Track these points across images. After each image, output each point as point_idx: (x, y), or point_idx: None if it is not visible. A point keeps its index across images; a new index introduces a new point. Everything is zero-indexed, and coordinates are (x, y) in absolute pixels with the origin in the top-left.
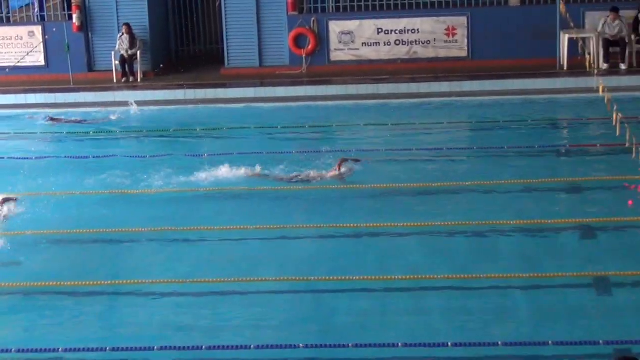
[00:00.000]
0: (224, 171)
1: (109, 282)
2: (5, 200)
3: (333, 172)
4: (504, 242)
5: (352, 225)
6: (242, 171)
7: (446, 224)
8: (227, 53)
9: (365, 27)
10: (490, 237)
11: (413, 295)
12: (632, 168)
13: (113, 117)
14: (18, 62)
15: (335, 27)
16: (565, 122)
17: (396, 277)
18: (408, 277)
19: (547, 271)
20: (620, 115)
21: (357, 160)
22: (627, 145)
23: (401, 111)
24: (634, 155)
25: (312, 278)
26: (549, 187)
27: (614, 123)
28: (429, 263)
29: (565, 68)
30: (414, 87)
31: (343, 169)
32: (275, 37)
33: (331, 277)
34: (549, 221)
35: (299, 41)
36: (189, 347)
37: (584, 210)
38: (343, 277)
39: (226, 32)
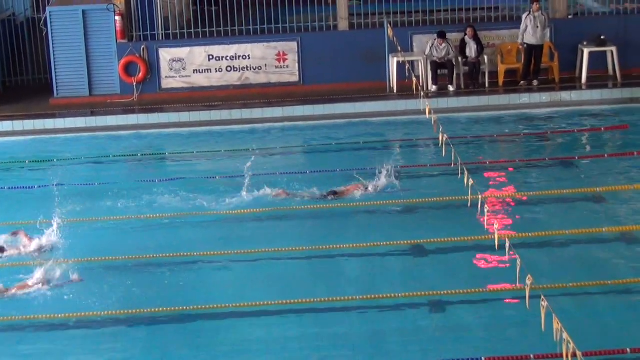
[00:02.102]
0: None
1: None
2: None
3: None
4: (340, 266)
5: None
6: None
7: (279, 249)
8: (56, 83)
9: (196, 54)
10: (334, 260)
11: None
12: (459, 188)
13: None
14: None
15: (166, 55)
16: (396, 144)
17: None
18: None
19: (381, 292)
20: (446, 136)
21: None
22: (453, 165)
23: (234, 137)
24: (459, 175)
25: None
26: (383, 210)
27: (440, 144)
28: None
29: (395, 91)
30: (247, 113)
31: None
32: (104, 66)
33: None
34: (383, 243)
35: (129, 69)
36: None
37: (416, 231)
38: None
39: (54, 62)
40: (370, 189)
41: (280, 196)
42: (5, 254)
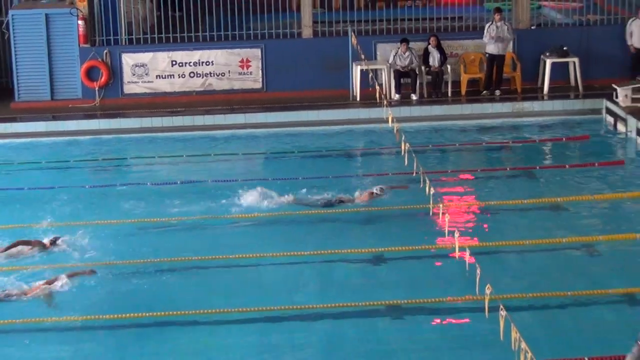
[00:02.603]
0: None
1: None
2: None
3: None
4: (299, 274)
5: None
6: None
7: (222, 257)
8: (17, 87)
9: (159, 60)
10: (294, 268)
11: None
12: (420, 197)
13: None
14: None
15: (129, 60)
16: (358, 152)
17: None
18: None
19: (341, 301)
20: (408, 145)
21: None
22: (415, 174)
23: (196, 143)
24: (421, 184)
25: None
26: (344, 218)
27: (403, 153)
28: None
29: (358, 99)
30: (209, 119)
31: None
32: (67, 70)
33: None
34: (343, 251)
35: (91, 74)
36: None
37: (376, 239)
38: None
39: (16, 65)
40: (380, 193)
41: (289, 202)
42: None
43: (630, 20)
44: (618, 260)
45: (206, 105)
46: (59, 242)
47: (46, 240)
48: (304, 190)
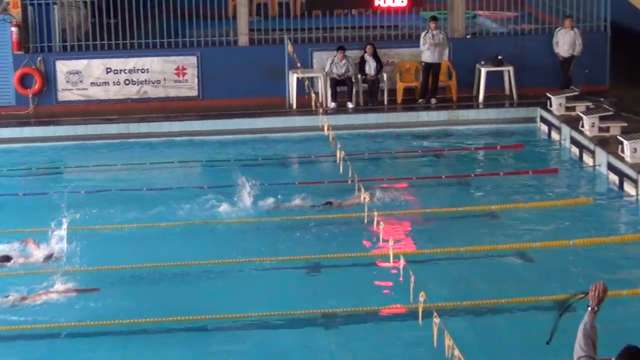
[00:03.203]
0: None
1: None
2: None
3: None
4: (232, 282)
5: None
6: None
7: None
8: None
9: (93, 67)
10: (230, 276)
11: None
12: (355, 204)
13: None
14: None
15: (63, 67)
16: (295, 160)
17: None
18: None
19: (276, 309)
20: (343, 153)
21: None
22: (350, 182)
23: (132, 151)
24: (356, 192)
25: None
26: (277, 225)
27: (338, 161)
28: None
29: (294, 107)
30: (144, 127)
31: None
32: (0, 77)
33: None
34: (276, 258)
35: (25, 81)
36: None
37: (311, 247)
38: None
39: None
40: (375, 199)
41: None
42: (11, 263)
43: (557, 30)
44: (552, 267)
45: (141, 113)
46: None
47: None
48: (280, 196)
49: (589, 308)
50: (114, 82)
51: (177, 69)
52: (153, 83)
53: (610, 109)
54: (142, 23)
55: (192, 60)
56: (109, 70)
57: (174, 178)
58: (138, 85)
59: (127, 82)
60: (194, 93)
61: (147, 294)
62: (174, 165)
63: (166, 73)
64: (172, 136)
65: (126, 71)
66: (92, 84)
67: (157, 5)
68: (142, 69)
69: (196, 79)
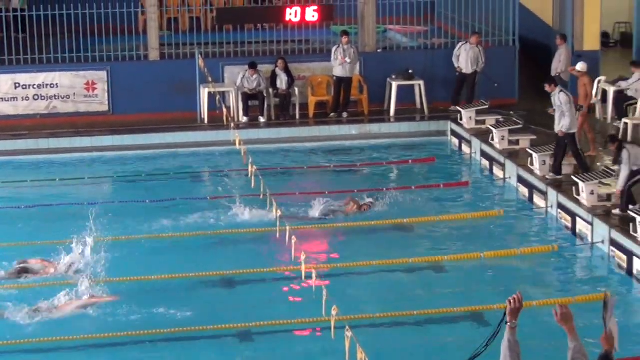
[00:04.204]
0: None
1: None
2: None
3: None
4: (147, 297)
5: None
6: None
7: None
8: None
9: (1, 82)
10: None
11: None
12: (268, 219)
13: None
14: None
15: None
16: (206, 175)
17: None
18: None
19: (189, 325)
20: (255, 167)
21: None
22: (262, 196)
23: (41, 167)
24: (268, 206)
25: None
26: (188, 242)
27: (250, 175)
28: None
29: (205, 121)
30: (54, 143)
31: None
32: None
33: None
34: (190, 275)
35: None
36: None
37: (224, 262)
38: None
39: None
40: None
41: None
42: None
43: (460, 44)
44: (463, 279)
45: (51, 129)
46: None
47: None
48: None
49: (507, 324)
50: (22, 97)
51: (87, 83)
52: (62, 98)
53: (519, 122)
54: (51, 38)
55: (102, 75)
56: (17, 85)
57: (84, 194)
58: (47, 100)
59: (35, 97)
60: (105, 108)
61: None
62: (84, 181)
63: (76, 88)
64: (82, 152)
65: (35, 86)
66: (0, 99)
67: (66, 20)
68: (52, 84)
69: (106, 94)
